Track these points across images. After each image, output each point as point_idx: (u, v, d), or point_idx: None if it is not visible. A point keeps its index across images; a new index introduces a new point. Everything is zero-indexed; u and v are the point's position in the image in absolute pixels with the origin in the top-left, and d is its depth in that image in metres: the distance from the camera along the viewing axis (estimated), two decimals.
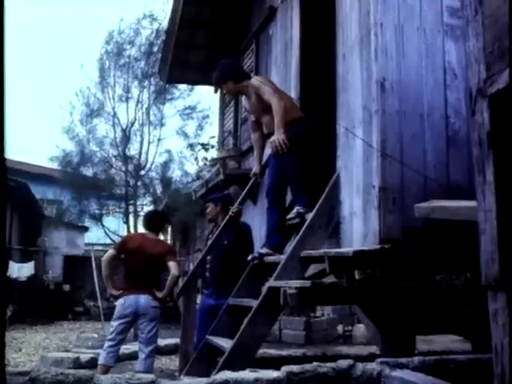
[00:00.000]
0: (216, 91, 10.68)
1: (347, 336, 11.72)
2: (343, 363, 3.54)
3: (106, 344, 6.53)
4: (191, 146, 20.53)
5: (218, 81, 6.10)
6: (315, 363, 3.55)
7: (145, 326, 6.46)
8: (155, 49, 19.88)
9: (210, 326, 5.90)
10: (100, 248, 21.76)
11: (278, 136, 5.27)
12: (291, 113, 5.48)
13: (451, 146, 4.37)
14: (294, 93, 5.95)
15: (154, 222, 7.02)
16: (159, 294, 6.51)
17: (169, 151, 21.34)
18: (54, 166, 22.18)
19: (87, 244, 24.74)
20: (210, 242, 6.54)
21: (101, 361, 6.46)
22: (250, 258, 5.65)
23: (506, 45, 2.01)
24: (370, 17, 4.48)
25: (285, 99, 5.55)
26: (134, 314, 6.46)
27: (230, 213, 6.23)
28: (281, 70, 6.59)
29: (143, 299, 6.45)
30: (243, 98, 6.24)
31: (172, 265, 6.48)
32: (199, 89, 18.91)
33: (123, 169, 20.56)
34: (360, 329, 11.07)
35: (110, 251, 6.86)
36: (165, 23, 19.49)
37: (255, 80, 5.81)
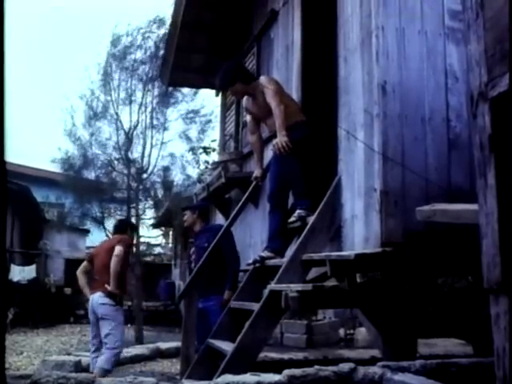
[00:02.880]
0: (217, 94, 10.67)
1: (349, 339, 11.72)
2: (345, 367, 3.54)
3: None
4: (193, 150, 20.53)
5: (225, 82, 6.07)
6: (317, 367, 3.54)
7: (101, 326, 6.48)
8: (160, 53, 19.87)
9: (200, 329, 6.07)
10: None
11: (281, 138, 5.28)
12: (293, 116, 5.48)
13: (453, 149, 4.37)
14: (295, 95, 5.94)
15: (119, 226, 7.46)
16: (109, 288, 6.49)
17: (171, 155, 21.35)
18: (56, 169, 22.18)
19: (89, 247, 24.72)
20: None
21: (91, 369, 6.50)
22: (251, 261, 5.66)
23: (508, 48, 2.00)
24: (371, 20, 4.47)
25: (287, 102, 5.54)
26: (92, 313, 6.51)
27: None
28: (282, 72, 6.58)
29: (95, 297, 6.49)
30: (244, 100, 6.21)
31: (116, 249, 6.58)
32: (202, 93, 18.89)
33: (125, 172, 20.57)
34: (361, 332, 11.06)
35: (83, 263, 7.17)
36: None
37: (262, 80, 5.80)
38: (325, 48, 6.11)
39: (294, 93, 5.99)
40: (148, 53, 20.20)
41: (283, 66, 6.61)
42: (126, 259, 6.71)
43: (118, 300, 6.58)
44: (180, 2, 8.84)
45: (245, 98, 6.09)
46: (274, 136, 5.53)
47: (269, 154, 6.04)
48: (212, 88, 10.84)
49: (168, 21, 20.41)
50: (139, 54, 20.16)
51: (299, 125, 5.49)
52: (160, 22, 20.22)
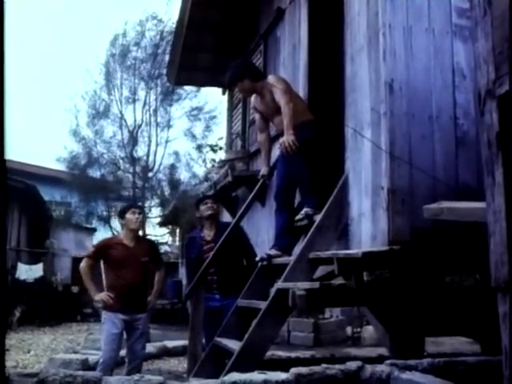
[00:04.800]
0: (224, 93, 10.68)
1: (356, 338, 11.70)
2: (352, 365, 3.54)
3: None
4: (199, 148, 20.57)
5: (234, 78, 6.04)
6: (324, 365, 3.54)
7: None
8: (160, 50, 19.91)
9: (217, 328, 5.90)
10: None
11: (288, 137, 5.27)
12: (301, 115, 5.47)
13: (460, 147, 4.36)
14: (302, 94, 5.94)
15: None
16: None
17: (176, 153, 21.34)
18: (62, 167, 22.23)
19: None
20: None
21: None
22: (258, 259, 5.65)
23: None
24: (378, 18, 4.47)
25: (295, 101, 5.53)
26: None
27: None
28: (289, 71, 6.58)
29: None
30: (252, 99, 6.21)
31: None
32: (205, 89, 18.90)
33: (131, 170, 20.60)
34: (369, 330, 11.05)
35: None
36: (169, 24, 19.51)
37: (271, 79, 5.79)
38: (332, 46, 6.11)
39: (301, 91, 5.99)
40: (148, 51, 20.24)
41: (290, 64, 6.61)
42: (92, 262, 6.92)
43: (104, 306, 6.58)
44: (187, 1, 8.84)
45: (253, 96, 6.08)
46: (281, 134, 5.52)
47: (276, 152, 6.03)
48: (219, 86, 10.86)
49: (163, 17, 20.53)
50: (140, 53, 20.19)
51: (307, 124, 5.48)
52: (154, 18, 20.27)
